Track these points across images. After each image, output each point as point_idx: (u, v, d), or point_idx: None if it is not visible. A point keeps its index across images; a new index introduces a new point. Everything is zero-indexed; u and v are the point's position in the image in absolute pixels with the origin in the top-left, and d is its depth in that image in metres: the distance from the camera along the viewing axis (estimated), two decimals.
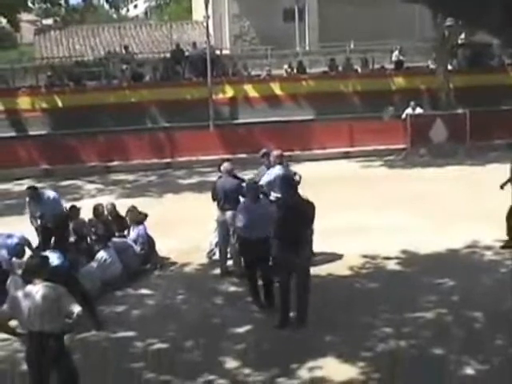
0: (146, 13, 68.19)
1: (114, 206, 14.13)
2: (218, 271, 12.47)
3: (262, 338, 9.59)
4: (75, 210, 13.48)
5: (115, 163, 23.88)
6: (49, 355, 7.23)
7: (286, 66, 28.50)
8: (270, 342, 9.44)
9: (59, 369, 7.40)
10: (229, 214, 12.07)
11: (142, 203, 15.34)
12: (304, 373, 8.64)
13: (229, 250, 12.42)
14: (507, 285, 11.36)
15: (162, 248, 13.61)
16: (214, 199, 12.51)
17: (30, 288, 7.33)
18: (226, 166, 12.66)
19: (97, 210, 13.63)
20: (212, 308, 10.83)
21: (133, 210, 13.73)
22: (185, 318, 10.62)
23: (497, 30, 5.49)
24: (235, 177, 12.60)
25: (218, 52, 29.58)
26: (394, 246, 13.48)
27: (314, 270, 11.79)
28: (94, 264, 12.01)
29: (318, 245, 12.64)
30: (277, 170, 12.63)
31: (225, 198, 12.21)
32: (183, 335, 9.93)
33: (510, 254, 12.99)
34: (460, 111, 24.89)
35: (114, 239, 12.92)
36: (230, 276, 12.30)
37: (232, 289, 11.84)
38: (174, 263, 13.28)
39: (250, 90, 27.12)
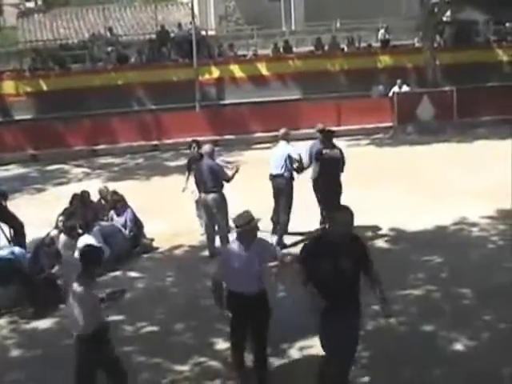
0: None
1: (107, 189, 14.15)
2: (207, 253, 12.46)
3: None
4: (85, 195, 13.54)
5: (102, 146, 23.75)
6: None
7: (272, 46, 28.39)
8: None
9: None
10: (211, 196, 12.11)
11: (129, 186, 15.31)
12: (295, 352, 8.68)
13: (216, 229, 12.41)
14: (494, 261, 11.44)
15: (151, 231, 13.59)
16: (196, 182, 12.54)
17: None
18: (206, 147, 12.68)
19: (84, 195, 13.60)
20: (202, 290, 10.79)
21: (112, 194, 13.73)
22: (174, 301, 10.63)
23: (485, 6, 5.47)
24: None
25: (203, 33, 29.41)
26: (382, 223, 13.53)
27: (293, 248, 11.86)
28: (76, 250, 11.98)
29: (305, 223, 12.67)
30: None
31: (207, 180, 12.21)
32: (173, 318, 9.95)
33: (495, 229, 13.06)
34: (447, 88, 24.90)
35: (102, 223, 12.89)
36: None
37: None
38: (162, 246, 13.26)
39: (237, 71, 27.00)
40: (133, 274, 12.00)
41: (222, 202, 12.26)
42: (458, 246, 12.28)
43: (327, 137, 13.06)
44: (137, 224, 13.25)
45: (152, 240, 13.42)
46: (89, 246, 8.26)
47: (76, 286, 7.18)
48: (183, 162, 21.39)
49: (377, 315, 9.52)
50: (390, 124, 24.45)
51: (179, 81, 26.05)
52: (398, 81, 25.00)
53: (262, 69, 27.08)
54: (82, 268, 7.33)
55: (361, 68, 26.57)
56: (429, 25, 26.07)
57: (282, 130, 13.37)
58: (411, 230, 13.23)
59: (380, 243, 12.74)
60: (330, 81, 26.41)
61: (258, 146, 22.91)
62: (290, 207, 12.77)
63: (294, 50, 28.75)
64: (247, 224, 7.57)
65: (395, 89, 24.95)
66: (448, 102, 24.11)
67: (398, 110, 24.18)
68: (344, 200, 14.25)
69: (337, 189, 12.74)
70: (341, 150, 13.00)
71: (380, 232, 13.27)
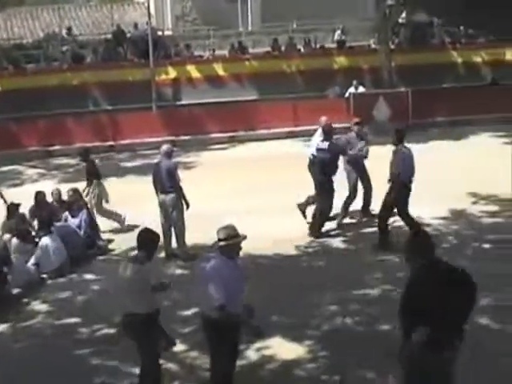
0: None
1: (59, 191, 13.98)
2: (162, 254, 12.39)
3: None
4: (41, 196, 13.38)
5: (57, 147, 23.46)
6: None
7: (229, 47, 28.36)
8: None
9: None
10: (168, 196, 12.11)
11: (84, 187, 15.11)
12: (252, 353, 8.65)
13: (173, 231, 12.36)
14: (449, 259, 11.52)
15: (107, 232, 13.46)
16: (153, 182, 12.48)
17: None
18: (164, 148, 12.65)
19: (39, 195, 13.43)
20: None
21: (74, 193, 13.55)
22: None
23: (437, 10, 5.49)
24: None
25: (159, 33, 29.26)
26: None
27: (262, 251, 11.89)
28: (38, 251, 11.85)
29: (263, 225, 12.68)
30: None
31: (164, 181, 12.16)
32: None
33: (448, 229, 13.19)
34: (402, 89, 25.11)
35: (57, 224, 12.74)
36: (176, 259, 12.25)
37: (178, 271, 11.80)
38: (118, 247, 13.14)
39: (193, 71, 26.91)
40: (88, 276, 11.87)
41: (179, 202, 12.21)
42: None
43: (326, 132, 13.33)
44: (92, 225, 13.11)
45: (108, 241, 13.30)
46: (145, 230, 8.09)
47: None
48: (140, 162, 21.38)
49: (333, 315, 9.60)
50: (346, 125, 24.53)
51: (135, 81, 25.86)
52: (354, 82, 25.15)
53: (219, 69, 27.02)
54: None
55: (317, 69, 26.65)
56: (384, 26, 26.30)
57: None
58: (368, 230, 13.29)
59: (338, 243, 12.80)
60: (287, 81, 26.47)
61: (215, 146, 22.90)
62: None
63: (251, 50, 28.79)
64: (231, 238, 7.07)
65: (351, 90, 25.08)
66: (403, 103, 24.32)
67: (354, 111, 24.29)
68: (302, 200, 14.35)
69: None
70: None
71: (337, 232, 13.33)
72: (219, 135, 23.82)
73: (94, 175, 14.27)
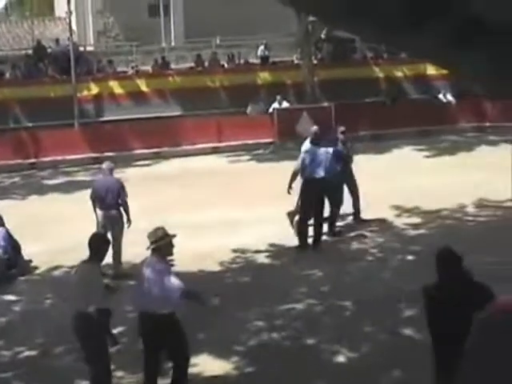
0: (6, 8, 65.91)
1: None
2: None
3: (136, 339, 9.42)
4: None
5: None
6: None
7: (152, 62, 28.22)
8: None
9: None
10: (112, 213, 11.99)
11: (4, 206, 14.81)
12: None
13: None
14: (373, 272, 11.69)
15: (29, 251, 13.17)
16: (92, 199, 12.26)
17: None
18: (107, 165, 12.61)
19: None
20: None
21: None
22: (54, 324, 10.28)
23: (340, 20, 5.52)
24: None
25: (81, 48, 28.94)
26: (264, 239, 13.59)
27: (185, 267, 11.79)
28: None
29: (188, 241, 12.56)
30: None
31: (108, 197, 12.03)
32: (53, 341, 9.64)
33: (374, 242, 13.36)
34: (325, 104, 25.40)
35: None
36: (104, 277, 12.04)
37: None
38: (41, 267, 12.87)
39: (116, 87, 26.66)
40: (9, 297, 11.58)
41: (119, 220, 12.09)
42: (337, 259, 12.48)
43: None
44: (13, 245, 12.80)
45: (29, 261, 13.01)
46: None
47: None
48: (62, 180, 21.05)
49: (259, 331, 9.59)
50: (270, 140, 24.71)
51: (57, 97, 25.47)
52: (278, 97, 25.32)
53: (142, 85, 26.85)
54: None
55: (241, 84, 26.73)
56: (307, 42, 26.59)
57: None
58: (293, 244, 13.34)
59: (262, 258, 12.80)
60: (211, 97, 26.46)
61: (140, 162, 22.73)
62: None
63: (174, 66, 28.68)
64: (162, 239, 7.72)
65: (275, 105, 25.24)
66: (327, 118, 24.57)
67: (278, 126, 24.49)
68: (225, 216, 14.33)
69: None
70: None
71: (262, 247, 13.33)
72: (143, 151, 23.66)
73: None
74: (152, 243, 7.73)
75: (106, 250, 8.21)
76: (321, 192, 13.06)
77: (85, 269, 7.89)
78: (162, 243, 7.71)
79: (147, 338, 7.80)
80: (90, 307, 7.51)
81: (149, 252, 7.80)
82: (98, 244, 8.01)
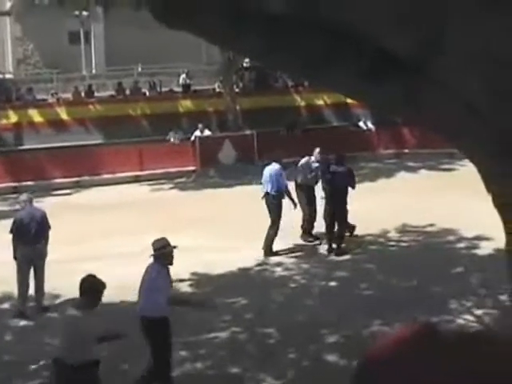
0: None
1: None
2: (6, 306, 11.81)
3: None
4: None
5: None
6: None
7: (73, 90, 27.90)
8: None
9: None
10: (39, 246, 11.60)
11: None
12: None
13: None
14: (297, 299, 11.70)
15: None
16: (14, 233, 11.73)
17: None
18: (25, 196, 12.30)
19: None
20: (3, 344, 10.24)
21: None
22: None
23: (259, 56, 5.59)
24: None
25: (0, 76, 28.43)
26: (187, 267, 13.41)
27: (106, 298, 11.54)
28: None
29: (109, 271, 12.36)
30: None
31: (35, 230, 11.63)
32: None
33: (299, 269, 13.41)
34: (247, 132, 25.51)
35: None
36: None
37: (23, 323, 11.28)
38: None
39: (35, 115, 26.22)
40: None
41: (46, 252, 11.78)
42: (261, 287, 12.46)
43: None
44: None
45: None
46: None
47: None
48: None
49: (184, 361, 9.47)
50: (192, 168, 24.65)
51: None
52: (200, 125, 25.30)
53: (62, 113, 26.48)
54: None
55: (163, 112, 26.63)
56: (229, 70, 26.70)
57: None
58: (216, 272, 13.26)
59: (184, 287, 12.68)
60: (132, 125, 26.27)
61: (59, 191, 22.33)
62: None
63: (96, 94, 28.41)
64: (163, 248, 8.51)
65: (197, 133, 25.21)
66: (249, 146, 24.71)
67: (201, 154, 24.46)
68: (146, 245, 14.15)
69: None
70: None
71: (184, 276, 13.19)
72: (63, 180, 23.26)
73: None
74: (155, 251, 8.50)
75: (99, 297, 7.75)
76: None
77: (70, 316, 7.55)
78: (163, 252, 8.45)
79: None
80: (70, 358, 7.24)
81: None
82: (89, 288, 7.61)
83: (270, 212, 14.48)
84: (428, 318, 9.59)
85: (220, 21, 4.86)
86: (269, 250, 14.22)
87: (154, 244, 8.62)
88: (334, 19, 4.54)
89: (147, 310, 8.36)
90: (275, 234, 14.35)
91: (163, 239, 8.65)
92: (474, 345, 1.72)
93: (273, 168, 14.92)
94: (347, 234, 14.82)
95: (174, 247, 8.67)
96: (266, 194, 14.64)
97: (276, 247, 14.39)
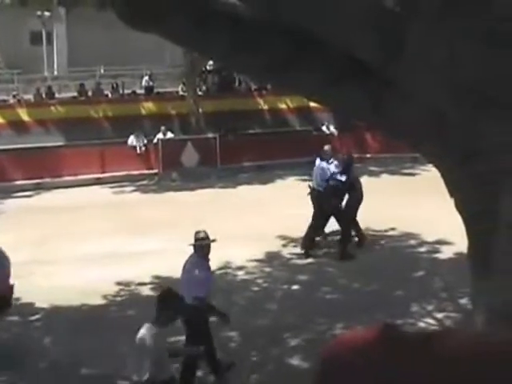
0: None
1: None
2: None
3: None
4: None
5: None
6: None
7: (34, 91, 27.60)
8: None
9: None
10: None
11: None
12: None
13: None
14: (260, 303, 11.69)
15: None
16: None
17: None
18: None
19: None
20: None
21: None
22: None
23: (224, 57, 5.58)
24: None
25: None
26: (148, 271, 13.39)
27: (68, 302, 11.46)
28: None
29: (71, 274, 12.29)
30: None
31: None
32: None
33: (262, 272, 13.39)
34: (210, 135, 25.47)
35: None
36: None
37: None
38: None
39: None
40: None
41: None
42: (224, 290, 12.39)
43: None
44: None
45: None
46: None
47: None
48: None
49: None
50: (155, 171, 24.55)
51: None
52: (163, 127, 25.21)
53: (23, 114, 26.18)
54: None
55: (125, 115, 26.46)
56: (192, 73, 26.64)
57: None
58: (177, 276, 13.15)
59: (146, 291, 12.58)
60: (94, 127, 26.03)
61: (20, 194, 22.08)
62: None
63: (57, 95, 28.16)
64: (203, 240, 8.97)
65: (160, 135, 25.10)
66: (211, 149, 24.67)
67: (163, 157, 24.36)
68: (108, 248, 14.05)
69: None
70: None
71: (146, 279, 13.11)
72: (24, 182, 23.02)
73: None
74: (199, 240, 8.94)
75: (177, 311, 7.76)
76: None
77: (148, 332, 7.34)
78: (203, 243, 8.88)
79: None
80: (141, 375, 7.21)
81: None
82: (169, 303, 7.53)
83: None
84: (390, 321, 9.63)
85: (184, 22, 4.83)
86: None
87: (198, 233, 9.05)
88: (297, 25, 4.54)
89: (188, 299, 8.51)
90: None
91: (202, 231, 9.02)
92: (433, 344, 1.72)
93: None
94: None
95: (213, 241, 9.07)
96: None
97: (238, 253, 14.29)
